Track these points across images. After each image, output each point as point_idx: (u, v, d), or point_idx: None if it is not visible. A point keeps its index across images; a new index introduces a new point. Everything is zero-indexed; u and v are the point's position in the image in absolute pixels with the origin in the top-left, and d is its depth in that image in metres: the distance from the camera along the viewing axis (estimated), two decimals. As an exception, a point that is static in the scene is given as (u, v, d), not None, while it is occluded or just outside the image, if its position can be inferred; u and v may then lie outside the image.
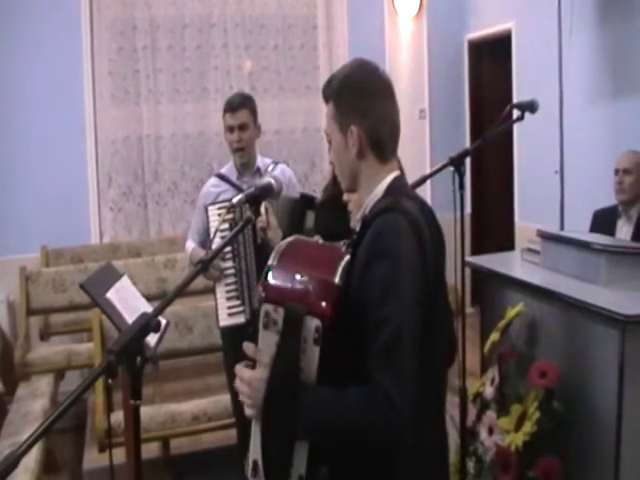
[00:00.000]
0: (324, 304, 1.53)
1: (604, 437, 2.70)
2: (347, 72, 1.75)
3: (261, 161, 3.62)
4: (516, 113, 3.14)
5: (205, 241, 3.53)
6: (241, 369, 1.62)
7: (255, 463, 1.61)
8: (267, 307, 1.56)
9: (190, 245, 3.63)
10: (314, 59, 6.51)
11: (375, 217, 1.63)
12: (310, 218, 3.30)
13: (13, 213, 5.61)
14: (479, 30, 6.65)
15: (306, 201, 3.33)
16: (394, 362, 1.50)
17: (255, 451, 1.61)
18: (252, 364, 1.61)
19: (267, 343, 1.56)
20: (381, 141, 1.73)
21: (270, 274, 1.60)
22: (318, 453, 1.57)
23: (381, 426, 1.48)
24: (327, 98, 1.77)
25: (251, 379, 1.58)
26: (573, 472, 2.80)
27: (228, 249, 3.31)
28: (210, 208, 3.41)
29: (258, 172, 3.57)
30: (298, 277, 1.57)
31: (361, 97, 1.71)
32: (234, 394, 3.58)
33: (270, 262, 1.62)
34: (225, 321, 3.39)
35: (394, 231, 1.59)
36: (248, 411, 1.61)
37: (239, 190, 3.44)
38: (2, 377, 4.79)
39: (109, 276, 3.19)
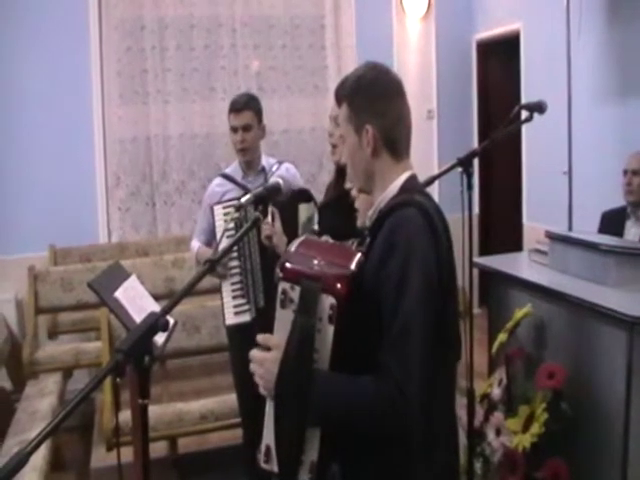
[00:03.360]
0: (339, 285, 1.55)
1: (611, 438, 2.70)
2: (360, 74, 1.78)
3: (266, 160, 3.63)
4: (524, 114, 3.13)
5: (210, 240, 3.54)
6: (255, 351, 1.64)
7: (268, 448, 1.62)
8: (284, 285, 1.59)
9: (195, 245, 3.63)
10: (322, 59, 6.50)
11: (390, 212, 1.66)
12: (303, 211, 3.30)
13: (21, 212, 5.63)
14: (487, 30, 6.64)
15: (296, 195, 3.33)
16: (405, 353, 1.52)
17: (268, 436, 1.62)
18: (267, 348, 1.63)
19: (283, 322, 1.58)
20: (395, 140, 1.76)
21: (289, 254, 1.64)
22: (330, 440, 1.58)
23: (390, 414, 1.51)
24: (340, 100, 1.81)
25: (264, 359, 1.61)
26: (580, 474, 2.79)
27: (233, 248, 3.31)
28: (215, 208, 3.41)
29: (263, 171, 3.58)
30: (315, 262, 1.61)
31: (375, 97, 1.74)
32: (241, 394, 3.61)
33: (288, 248, 1.66)
34: (231, 320, 3.40)
35: (409, 225, 1.61)
36: (262, 391, 1.63)
37: (244, 189, 3.45)
38: (10, 375, 4.81)
39: (117, 275, 3.19)
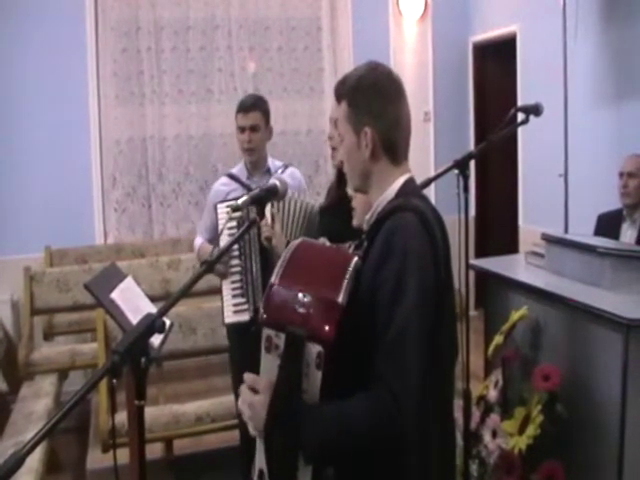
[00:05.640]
0: (327, 328, 1.49)
1: (607, 441, 2.70)
2: (362, 74, 1.76)
3: (272, 163, 3.64)
4: (521, 116, 3.13)
5: (214, 238, 3.56)
6: (244, 391, 1.60)
7: (261, 472, 1.60)
8: (268, 332, 1.54)
9: (198, 241, 3.68)
10: (318, 61, 6.50)
11: (388, 216, 1.64)
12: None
13: (17, 213, 5.62)
14: (484, 33, 6.65)
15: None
16: (401, 361, 1.51)
17: (261, 461, 1.60)
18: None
19: (269, 366, 1.55)
20: (394, 144, 1.74)
21: (272, 291, 1.56)
22: (323, 467, 1.56)
23: (386, 425, 1.49)
24: (340, 98, 1.77)
25: (253, 403, 1.57)
26: (576, 475, 2.80)
27: (235, 247, 3.33)
28: (219, 206, 3.44)
29: (268, 173, 3.58)
30: (300, 297, 1.53)
31: (376, 99, 1.72)
32: (238, 394, 3.60)
33: (272, 279, 1.58)
34: (230, 318, 3.42)
35: (407, 229, 1.60)
36: (252, 431, 1.60)
37: (248, 189, 3.46)
38: (6, 377, 4.79)
39: (113, 276, 3.19)
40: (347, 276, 1.58)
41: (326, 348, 1.48)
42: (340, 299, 1.53)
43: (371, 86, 1.73)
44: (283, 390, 1.52)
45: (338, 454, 1.56)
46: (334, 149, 2.99)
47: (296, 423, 1.50)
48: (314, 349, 1.48)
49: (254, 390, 1.58)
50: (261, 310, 1.56)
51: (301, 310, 1.52)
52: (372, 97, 1.72)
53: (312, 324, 1.49)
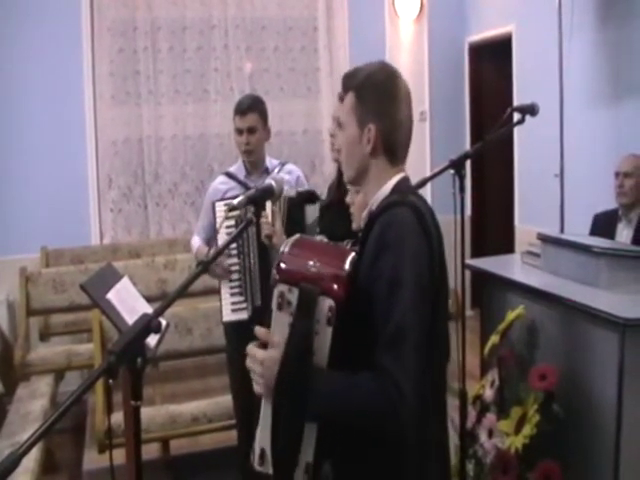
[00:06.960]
0: (336, 286, 1.55)
1: (603, 440, 2.70)
2: (372, 70, 1.78)
3: (269, 162, 3.65)
4: (516, 116, 3.14)
5: (211, 238, 3.56)
6: (253, 348, 1.62)
7: (262, 451, 1.61)
8: (281, 288, 1.57)
9: (196, 241, 3.66)
10: (315, 61, 6.51)
11: (383, 211, 1.66)
12: (311, 212, 3.31)
13: (13, 213, 5.61)
14: (480, 33, 6.66)
15: (303, 196, 3.34)
16: (401, 352, 1.52)
17: (263, 439, 1.61)
18: (263, 345, 1.62)
19: (280, 324, 1.58)
20: (395, 144, 1.76)
21: (283, 257, 1.62)
22: (326, 441, 1.58)
23: (389, 411, 1.51)
24: (347, 89, 1.79)
25: (264, 358, 1.59)
26: (572, 475, 2.80)
27: (233, 245, 3.33)
28: (217, 205, 3.44)
29: (266, 172, 3.59)
30: (310, 263, 1.59)
31: (383, 98, 1.74)
32: (236, 394, 3.61)
33: (281, 249, 1.64)
34: (228, 316, 3.41)
35: (402, 224, 1.61)
36: (257, 388, 1.62)
37: (246, 188, 3.46)
38: (2, 377, 4.79)
39: (109, 277, 3.19)
40: (350, 256, 1.64)
41: (337, 303, 1.53)
42: (347, 266, 1.60)
43: (380, 84, 1.75)
44: (295, 346, 1.54)
45: (339, 425, 1.58)
46: (334, 142, 2.99)
47: (305, 385, 1.52)
48: (326, 304, 1.53)
49: (264, 346, 1.60)
50: (274, 272, 1.60)
51: (312, 270, 1.58)
52: (380, 95, 1.74)
53: (323, 282, 1.55)
